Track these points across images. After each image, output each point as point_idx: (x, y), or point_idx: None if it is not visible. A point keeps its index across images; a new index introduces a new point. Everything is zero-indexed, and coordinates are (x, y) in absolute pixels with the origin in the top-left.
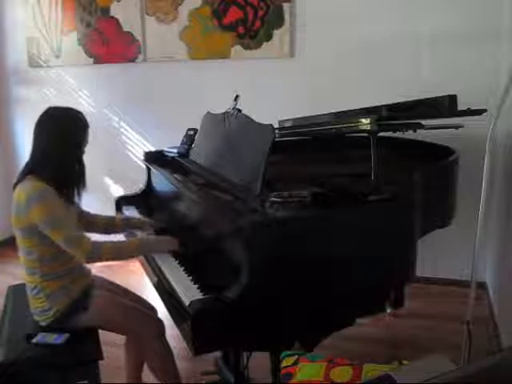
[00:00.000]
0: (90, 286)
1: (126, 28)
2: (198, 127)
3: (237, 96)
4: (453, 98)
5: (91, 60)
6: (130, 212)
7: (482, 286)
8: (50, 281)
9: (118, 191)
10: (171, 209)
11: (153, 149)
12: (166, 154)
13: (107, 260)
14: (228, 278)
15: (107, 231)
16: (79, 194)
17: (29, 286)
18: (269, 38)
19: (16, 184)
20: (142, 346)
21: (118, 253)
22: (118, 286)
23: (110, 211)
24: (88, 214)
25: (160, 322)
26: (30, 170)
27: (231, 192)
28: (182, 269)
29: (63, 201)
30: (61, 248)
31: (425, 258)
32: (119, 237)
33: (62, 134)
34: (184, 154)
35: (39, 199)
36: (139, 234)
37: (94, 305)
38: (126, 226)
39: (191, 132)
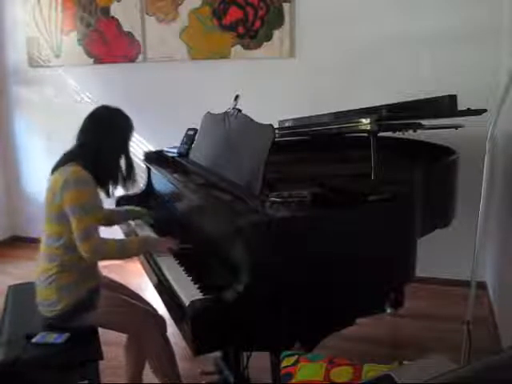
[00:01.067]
0: (97, 287)
1: (126, 28)
2: (198, 127)
3: (237, 96)
4: (453, 98)
5: (91, 60)
6: None
7: (482, 285)
8: (65, 272)
9: (117, 191)
10: (171, 209)
11: (153, 149)
12: (166, 153)
13: (110, 259)
14: (228, 277)
15: (108, 224)
16: (126, 186)
17: (42, 276)
18: (269, 37)
19: (54, 169)
20: (143, 344)
21: (121, 252)
22: (119, 284)
23: None
24: None
25: (162, 321)
26: (73, 157)
27: (231, 192)
28: (182, 269)
29: (97, 191)
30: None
31: (425, 258)
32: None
33: (114, 131)
34: (184, 154)
35: (76, 184)
36: (137, 229)
37: (98, 304)
38: (125, 216)
39: (191, 132)
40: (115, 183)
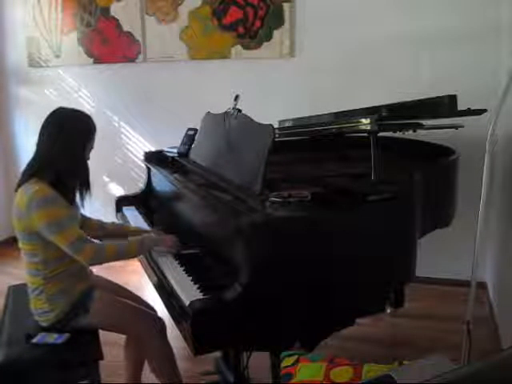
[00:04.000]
0: (91, 288)
1: (126, 28)
2: (198, 127)
3: (237, 96)
4: (453, 98)
5: (91, 60)
6: (130, 212)
7: (482, 285)
8: (52, 283)
9: (118, 191)
10: (171, 209)
11: (153, 149)
12: (166, 153)
13: (110, 261)
14: (228, 278)
15: (97, 236)
16: (82, 197)
17: (30, 287)
18: (269, 37)
19: (19, 186)
20: (142, 345)
21: (120, 254)
22: (117, 285)
23: (109, 211)
24: (83, 216)
25: (161, 322)
26: (33, 172)
27: (231, 192)
28: (182, 269)
29: (66, 203)
30: (64, 250)
31: (425, 258)
32: None
33: (68, 136)
34: (184, 154)
35: (41, 204)
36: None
37: (94, 306)
38: (118, 233)
39: (191, 132)
40: (80, 194)
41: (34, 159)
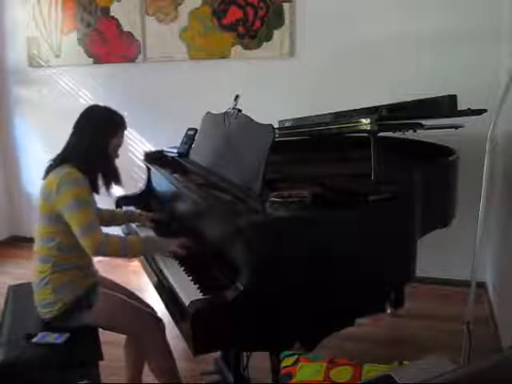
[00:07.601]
0: (96, 284)
1: (126, 28)
2: (198, 127)
3: (237, 96)
4: (453, 98)
5: (91, 60)
6: None
7: (482, 285)
8: (60, 272)
9: (118, 191)
10: (171, 209)
11: (153, 149)
12: (166, 153)
13: (112, 256)
14: (228, 278)
15: (108, 223)
16: (108, 186)
17: (38, 277)
18: (269, 37)
19: (48, 172)
20: (142, 345)
21: (123, 249)
22: (120, 286)
23: None
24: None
25: (161, 322)
26: (64, 158)
27: (231, 192)
28: (182, 269)
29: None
30: (78, 240)
31: (425, 258)
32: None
33: (104, 132)
34: (184, 153)
35: (72, 183)
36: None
37: (97, 304)
38: (127, 218)
39: (191, 132)
40: (97, 184)
41: (65, 149)
